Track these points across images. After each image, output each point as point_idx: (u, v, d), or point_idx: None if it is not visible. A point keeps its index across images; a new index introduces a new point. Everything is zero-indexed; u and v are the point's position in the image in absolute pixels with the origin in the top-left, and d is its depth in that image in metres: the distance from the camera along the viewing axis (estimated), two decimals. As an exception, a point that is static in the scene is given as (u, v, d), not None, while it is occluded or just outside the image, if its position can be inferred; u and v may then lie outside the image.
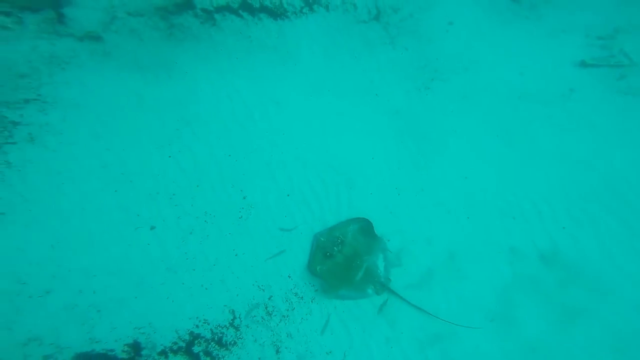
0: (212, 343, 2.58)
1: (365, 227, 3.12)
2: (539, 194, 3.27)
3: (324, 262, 3.01)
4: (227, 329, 2.65)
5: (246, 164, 3.24)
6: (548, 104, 3.61)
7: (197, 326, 2.57)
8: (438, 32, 4.13)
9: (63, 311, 2.47)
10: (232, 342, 2.62)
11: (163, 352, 2.46)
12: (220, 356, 2.58)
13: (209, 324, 2.59)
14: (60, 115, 3.09)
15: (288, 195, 3.18)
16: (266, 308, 2.75)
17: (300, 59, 3.80)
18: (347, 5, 4.33)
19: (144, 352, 2.41)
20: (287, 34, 3.94)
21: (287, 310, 2.78)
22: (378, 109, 3.68)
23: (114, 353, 2.39)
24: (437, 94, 3.81)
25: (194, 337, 2.54)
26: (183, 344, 2.52)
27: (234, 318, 2.67)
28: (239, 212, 3.04)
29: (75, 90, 3.29)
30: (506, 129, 3.55)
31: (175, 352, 2.49)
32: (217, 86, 3.53)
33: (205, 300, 2.65)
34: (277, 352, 2.66)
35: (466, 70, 3.83)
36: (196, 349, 2.54)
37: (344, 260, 3.00)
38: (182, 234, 2.84)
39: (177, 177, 3.05)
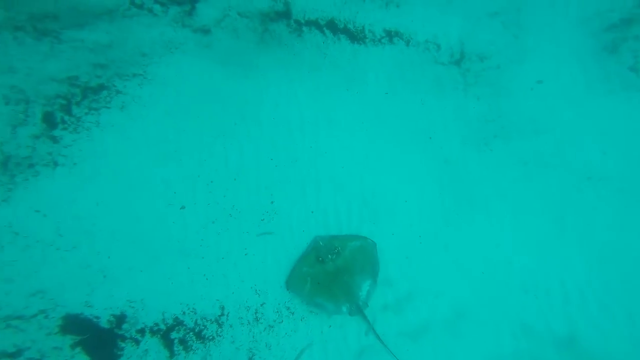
0: (190, 333, 2.36)
1: (366, 248, 2.77)
2: (573, 279, 2.63)
3: (313, 265, 2.68)
4: (211, 323, 2.42)
5: (283, 172, 3.04)
6: (623, 193, 2.82)
7: (183, 313, 2.35)
8: (521, 88, 3.23)
9: (77, 269, 2.47)
10: (210, 337, 2.36)
11: (141, 331, 2.30)
12: (193, 348, 2.30)
13: (195, 314, 2.35)
14: (150, 91, 3.13)
15: (312, 212, 2.88)
16: (255, 313, 2.33)
17: (365, 87, 3.44)
18: (429, 44, 3.59)
19: (124, 326, 2.28)
20: (360, 59, 3.63)
21: (275, 321, 2.44)
22: (427, 152, 3.19)
23: (98, 321, 2.20)
24: (495, 153, 3.19)
25: (177, 323, 2.34)
26: (163, 327, 2.35)
27: (221, 315, 2.33)
28: (262, 215, 2.84)
29: (171, 71, 3.36)
30: (561, 209, 2.87)
31: (153, 333, 2.32)
32: (282, 92, 3.38)
33: (201, 290, 2.42)
34: (250, 359, 2.24)
35: (537, 134, 3.17)
36: (174, 335, 2.36)
37: (333, 271, 2.66)
38: (206, 221, 2.71)
39: (219, 167, 2.98)
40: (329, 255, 2.65)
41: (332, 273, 2.62)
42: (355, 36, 3.82)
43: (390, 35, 3.90)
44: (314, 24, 3.80)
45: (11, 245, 2.42)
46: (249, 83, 3.34)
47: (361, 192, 2.97)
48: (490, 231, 2.87)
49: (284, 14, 3.87)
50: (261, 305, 2.55)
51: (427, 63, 3.71)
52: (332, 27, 3.86)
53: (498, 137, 3.28)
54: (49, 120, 2.89)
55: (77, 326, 2.26)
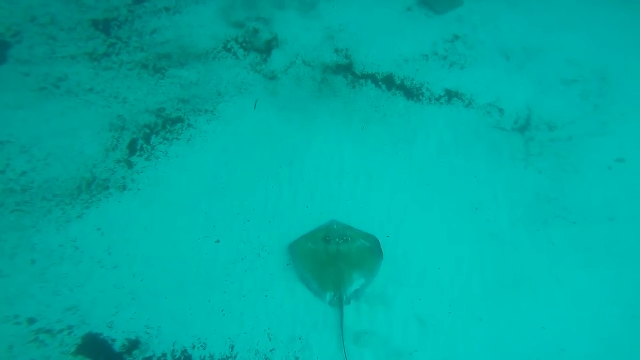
0: (195, 370, 2.12)
1: (375, 251, 2.54)
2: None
3: (317, 242, 2.53)
4: (216, 362, 2.15)
5: (316, 220, 2.82)
6: None
7: (193, 347, 2.23)
8: (596, 165, 2.57)
9: (111, 289, 2.45)
10: (212, 377, 2.11)
11: (148, 359, 2.11)
12: (195, 386, 2.10)
13: (204, 349, 2.23)
14: (215, 127, 3.18)
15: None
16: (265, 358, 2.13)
17: (413, 146, 3.14)
18: (491, 108, 3.14)
19: (134, 352, 2.15)
20: (412, 117, 3.33)
21: (281, 372, 2.12)
22: (470, 222, 2.79)
23: (112, 343, 2.16)
24: (553, 234, 2.70)
25: (185, 357, 2.12)
26: (170, 359, 2.12)
27: (229, 356, 2.15)
28: (289, 260, 2.54)
29: (236, 110, 3.41)
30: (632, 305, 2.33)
31: (158, 363, 2.13)
32: (328, 142, 3.23)
33: (216, 325, 2.30)
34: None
35: (611, 221, 2.28)
36: (178, 369, 2.13)
37: (334, 254, 2.48)
38: (236, 257, 2.60)
39: (258, 207, 2.90)
40: (337, 239, 2.47)
41: (331, 255, 2.44)
42: (411, 92, 3.53)
43: (450, 95, 3.54)
44: (370, 77, 3.62)
45: (69, 259, 2.50)
46: (300, 129, 3.26)
47: (392, 252, 2.64)
48: (537, 312, 2.40)
49: (345, 67, 3.77)
50: (270, 351, 2.32)
51: (486, 127, 3.25)
52: (388, 81, 3.63)
53: (559, 217, 2.71)
54: (132, 147, 3.07)
55: (91, 347, 2.20)
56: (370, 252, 2.49)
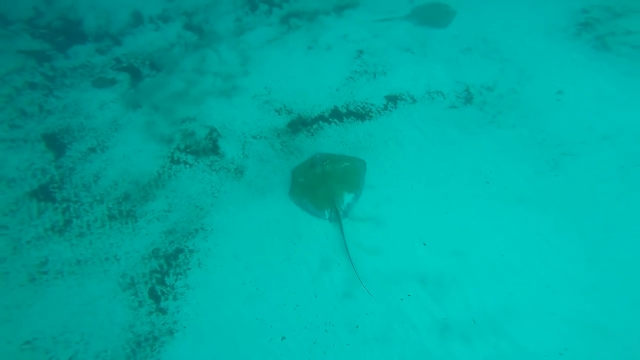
0: None
1: (357, 166, 3.05)
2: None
3: (306, 173, 3.02)
4: None
5: (352, 274, 3.07)
6: None
7: None
8: (547, 103, 3.20)
9: None
10: None
11: None
12: None
13: None
14: (213, 241, 3.30)
15: (402, 299, 2.93)
16: None
17: (390, 154, 3.57)
18: (432, 94, 3.76)
19: None
20: (374, 133, 3.73)
21: None
22: (493, 197, 3.14)
23: None
24: (570, 173, 3.03)
25: None
26: None
27: None
28: (355, 321, 2.87)
29: (221, 216, 3.59)
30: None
31: None
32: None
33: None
34: None
35: (606, 139, 2.80)
36: None
37: (321, 174, 2.97)
38: (308, 344, 2.75)
39: (298, 289, 3.10)
40: (321, 163, 2.94)
41: (319, 176, 2.90)
42: (361, 114, 4.09)
43: (394, 100, 4.14)
44: (320, 118, 4.11)
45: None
46: (291, 199, 3.48)
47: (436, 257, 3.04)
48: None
49: (295, 122, 4.22)
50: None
51: (440, 110, 3.79)
52: (337, 114, 4.17)
53: (565, 154, 3.13)
54: (154, 296, 3.15)
55: None
56: (352, 168, 3.01)
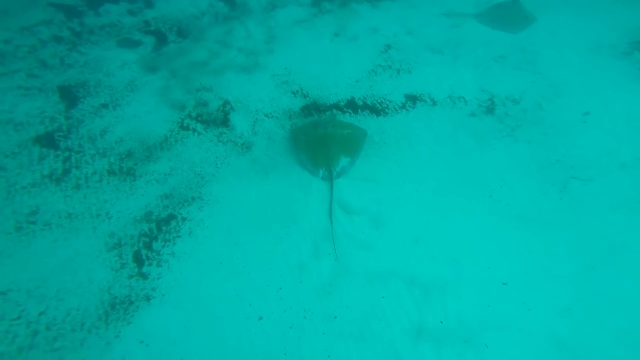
0: None
1: (358, 135, 3.28)
2: None
3: (307, 132, 3.22)
4: None
5: (343, 265, 3.05)
6: None
7: None
8: (571, 124, 3.13)
9: None
10: None
11: None
12: None
13: None
14: (208, 212, 3.30)
15: (383, 297, 2.87)
16: None
17: (400, 153, 3.53)
18: (454, 99, 3.69)
19: None
20: (387, 130, 3.70)
21: None
22: (494, 212, 3.11)
23: None
24: (576, 197, 3.01)
25: None
26: None
27: None
28: (334, 312, 2.79)
29: (221, 188, 3.58)
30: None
31: None
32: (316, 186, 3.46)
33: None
34: None
35: (624, 167, 2.87)
36: None
37: (322, 135, 3.18)
38: (284, 327, 2.72)
39: (284, 272, 3.06)
40: (324, 125, 3.13)
41: (321, 137, 3.10)
42: (376, 109, 4.04)
43: (414, 100, 4.08)
44: (334, 106, 4.08)
45: (125, 378, 2.52)
46: (292, 182, 3.49)
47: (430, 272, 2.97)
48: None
49: (309, 106, 4.21)
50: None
51: (459, 117, 3.73)
52: (353, 106, 4.13)
53: (575, 178, 3.08)
54: (138, 260, 3.14)
55: None
56: (355, 137, 3.21)
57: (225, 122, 4.09)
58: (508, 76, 4.09)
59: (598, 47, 4.23)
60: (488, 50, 4.41)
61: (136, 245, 3.26)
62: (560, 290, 2.77)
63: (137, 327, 2.84)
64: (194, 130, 4.03)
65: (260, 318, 2.88)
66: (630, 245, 2.82)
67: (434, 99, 4.00)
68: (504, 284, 2.69)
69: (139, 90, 4.46)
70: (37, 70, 4.52)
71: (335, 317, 2.85)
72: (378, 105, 4.07)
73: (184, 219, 3.39)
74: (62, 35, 4.97)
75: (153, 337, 2.80)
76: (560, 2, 4.94)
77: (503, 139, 3.52)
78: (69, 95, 4.31)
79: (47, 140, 3.87)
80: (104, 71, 4.61)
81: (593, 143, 3.33)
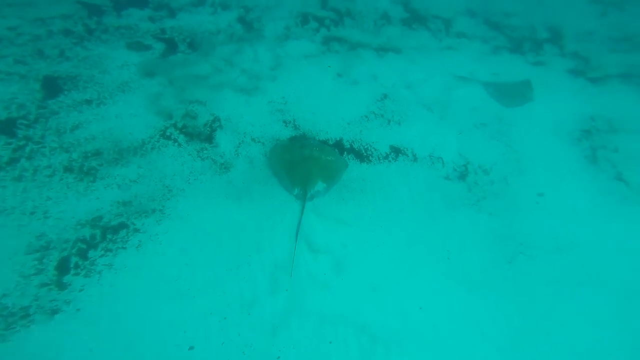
0: None
1: (339, 165, 3.40)
2: None
3: (292, 151, 3.38)
4: None
5: (299, 305, 2.85)
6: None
7: None
8: (526, 202, 3.28)
9: None
10: None
11: None
12: None
13: None
14: (166, 227, 3.11)
15: (330, 342, 2.69)
16: None
17: (375, 202, 3.50)
18: (434, 159, 3.74)
19: None
20: (367, 178, 3.62)
21: None
22: (448, 273, 3.11)
23: None
24: (520, 271, 3.19)
25: None
26: None
27: None
28: (278, 352, 2.59)
29: (187, 204, 3.34)
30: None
31: None
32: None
33: None
34: None
35: (559, 250, 3.14)
36: None
37: (307, 156, 3.31)
38: None
39: (233, 302, 2.84)
40: (311, 148, 3.27)
41: (304, 158, 3.23)
42: (361, 154, 4.05)
43: (397, 152, 4.12)
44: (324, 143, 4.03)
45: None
46: (263, 213, 3.32)
47: (379, 323, 2.82)
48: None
49: (295, 138, 4.18)
50: None
51: (434, 178, 3.74)
52: (340, 146, 4.13)
53: (522, 254, 3.23)
54: (63, 267, 2.81)
55: None
56: (335, 166, 3.33)
57: (209, 138, 4.00)
58: (485, 144, 4.24)
59: (559, 130, 4.50)
60: (473, 115, 4.60)
61: (68, 251, 2.90)
62: (492, 354, 2.78)
63: (14, 345, 2.45)
64: (175, 140, 3.91)
65: (191, 348, 2.59)
66: (554, 319, 2.98)
67: (416, 155, 4.04)
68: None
69: (131, 92, 4.39)
70: (30, 58, 4.44)
71: (279, 358, 2.59)
72: (364, 152, 4.07)
73: (136, 230, 3.10)
74: (74, 30, 4.99)
75: (33, 357, 2.42)
76: (557, 85, 5.29)
77: (469, 207, 3.57)
78: (52, 86, 4.20)
79: (5, 126, 3.59)
80: (101, 68, 4.58)
81: (540, 224, 3.48)
